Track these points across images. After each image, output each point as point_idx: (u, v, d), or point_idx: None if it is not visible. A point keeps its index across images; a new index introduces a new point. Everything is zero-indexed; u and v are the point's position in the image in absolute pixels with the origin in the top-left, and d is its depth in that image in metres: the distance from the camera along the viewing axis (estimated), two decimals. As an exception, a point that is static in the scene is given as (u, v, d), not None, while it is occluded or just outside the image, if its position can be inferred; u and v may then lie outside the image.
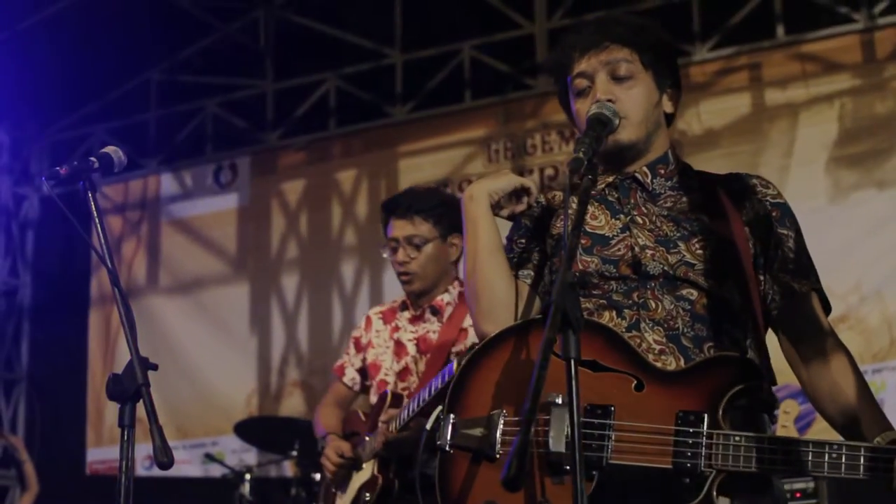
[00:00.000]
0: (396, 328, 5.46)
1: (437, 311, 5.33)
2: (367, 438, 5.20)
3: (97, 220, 3.77)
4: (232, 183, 12.34)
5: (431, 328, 5.32)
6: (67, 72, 11.82)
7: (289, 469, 9.53)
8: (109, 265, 3.72)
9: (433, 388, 4.70)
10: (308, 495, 9.03)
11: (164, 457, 3.37)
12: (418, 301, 5.39)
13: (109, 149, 3.98)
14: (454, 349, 5.14)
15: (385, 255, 5.44)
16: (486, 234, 3.40)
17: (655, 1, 10.64)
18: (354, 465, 5.27)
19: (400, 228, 5.32)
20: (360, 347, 5.60)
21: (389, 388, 5.34)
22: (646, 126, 3.39)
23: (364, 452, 5.22)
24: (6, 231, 13.43)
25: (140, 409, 3.48)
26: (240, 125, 12.18)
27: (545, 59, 3.68)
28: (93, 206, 3.78)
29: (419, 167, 11.40)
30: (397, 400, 5.15)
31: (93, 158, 3.92)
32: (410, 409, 4.89)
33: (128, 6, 11.45)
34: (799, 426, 7.09)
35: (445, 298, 5.35)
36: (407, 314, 5.46)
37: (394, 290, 11.70)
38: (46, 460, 11.33)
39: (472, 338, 4.98)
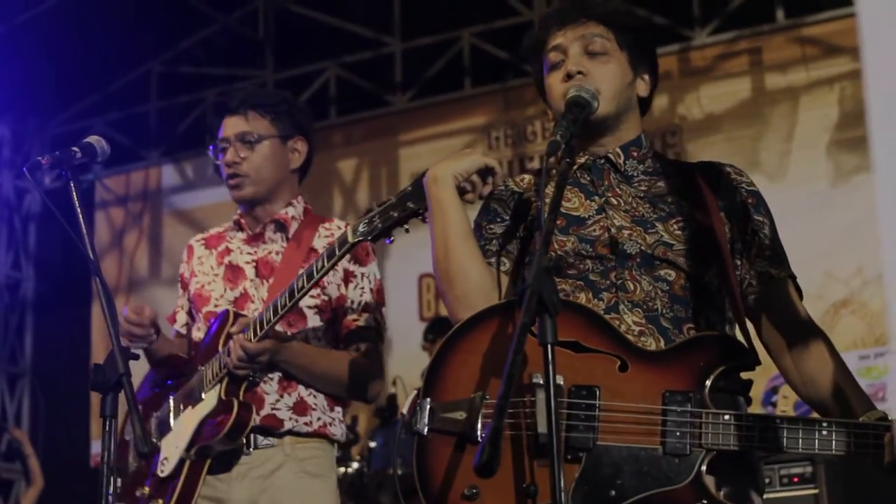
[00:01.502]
0: (227, 251, 4.59)
1: (283, 227, 4.52)
2: (201, 368, 4.32)
3: (78, 210, 3.76)
4: (232, 172, 12.32)
5: (274, 248, 4.52)
6: (68, 64, 11.82)
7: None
8: (90, 255, 3.71)
9: (297, 289, 4.01)
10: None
11: (144, 446, 3.37)
12: (254, 215, 4.57)
13: (92, 138, 3.99)
14: (302, 272, 4.27)
15: (217, 162, 4.62)
16: (455, 218, 3.34)
17: (656, -15, 10.59)
18: (190, 394, 4.33)
19: (232, 126, 4.53)
20: (185, 284, 4.71)
21: None
22: (616, 102, 3.36)
23: (203, 382, 4.28)
24: (8, 224, 13.45)
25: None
26: (241, 115, 12.14)
27: (524, 39, 3.62)
28: (74, 196, 3.78)
29: (420, 155, 11.39)
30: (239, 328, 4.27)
31: (75, 148, 3.92)
32: (270, 315, 4.08)
33: (128, -2, 11.46)
34: (799, 412, 7.05)
35: (290, 212, 4.56)
36: (241, 235, 4.60)
37: (397, 279, 11.77)
38: (51, 454, 11.36)
39: None
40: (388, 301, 4.60)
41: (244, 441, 4.24)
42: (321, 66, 12.16)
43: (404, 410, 3.20)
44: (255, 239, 4.54)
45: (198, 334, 4.51)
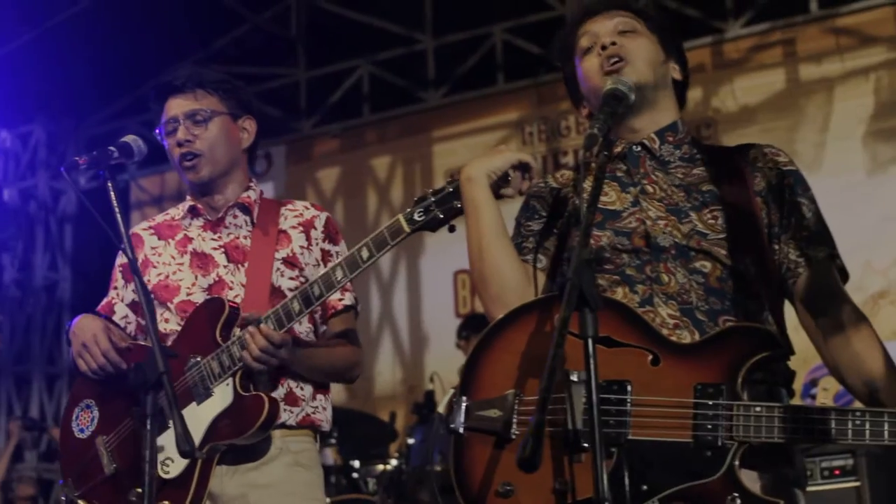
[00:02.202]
0: (187, 239, 4.40)
1: (247, 210, 4.37)
2: (198, 360, 4.11)
3: (117, 210, 3.77)
4: (267, 172, 12.38)
5: (241, 233, 4.36)
6: (101, 65, 11.88)
7: (329, 456, 9.54)
8: (130, 255, 3.72)
9: (335, 280, 3.89)
10: (348, 482, 9.06)
11: (185, 445, 3.37)
12: (210, 199, 4.41)
13: (129, 138, 3.99)
14: (279, 255, 4.30)
15: (164, 141, 4.39)
16: (489, 217, 3.34)
17: (688, -22, 10.58)
18: (195, 390, 4.10)
19: (178, 105, 4.35)
20: (129, 275, 4.39)
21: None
22: (652, 71, 3.37)
23: (207, 376, 4.08)
24: (45, 226, 13.53)
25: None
26: (274, 114, 12.20)
27: (553, 43, 3.63)
28: (112, 196, 3.79)
29: (453, 152, 11.40)
30: (234, 313, 4.11)
31: (112, 148, 3.93)
32: (298, 305, 3.96)
33: (160, -1, 11.51)
34: (840, 403, 7.02)
35: (252, 196, 4.42)
36: (199, 221, 4.41)
37: (432, 275, 11.79)
38: (89, 453, 11.37)
39: (296, 241, 4.33)
40: (423, 298, 4.58)
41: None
42: (353, 63, 12.18)
43: (441, 409, 3.19)
44: (217, 224, 4.39)
45: (168, 325, 4.28)
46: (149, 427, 3.47)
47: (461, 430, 3.11)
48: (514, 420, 3.04)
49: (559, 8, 11.17)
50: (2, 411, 13.27)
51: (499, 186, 3.37)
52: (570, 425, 2.95)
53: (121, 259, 4.51)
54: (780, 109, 10.14)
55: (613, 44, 3.35)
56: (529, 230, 3.50)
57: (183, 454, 3.45)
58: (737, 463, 2.91)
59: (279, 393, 4.14)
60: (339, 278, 3.91)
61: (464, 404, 3.12)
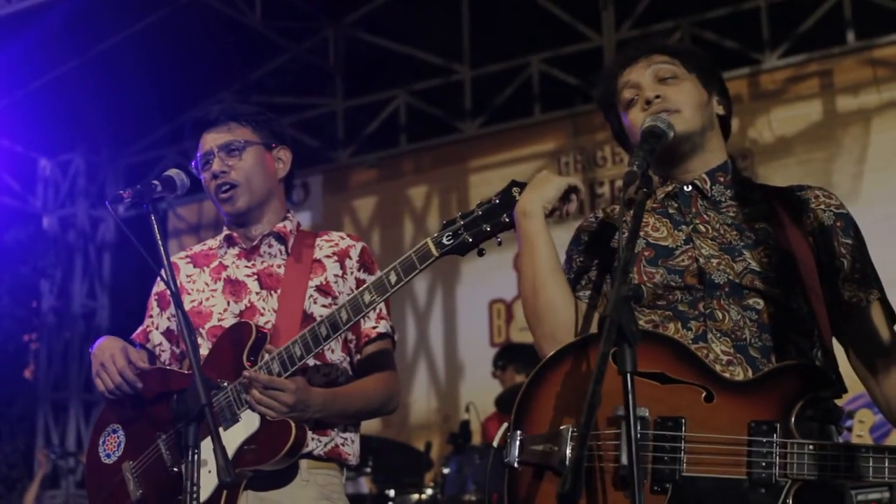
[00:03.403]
0: (222, 266, 4.42)
1: (282, 239, 4.38)
2: (226, 385, 4.08)
3: (160, 243, 3.80)
4: (304, 201, 12.43)
5: (275, 262, 4.37)
6: (140, 95, 11.97)
7: (364, 485, 9.56)
8: (173, 288, 3.75)
9: (364, 304, 3.86)
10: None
11: (227, 476, 3.39)
12: (247, 230, 4.42)
13: (172, 171, 4.02)
14: (312, 283, 4.29)
15: (200, 175, 4.40)
16: (545, 253, 3.36)
17: (724, 10, 10.59)
18: (222, 415, 4.05)
19: (213, 139, 4.37)
20: (166, 303, 4.48)
21: None
22: (700, 117, 3.39)
23: (236, 401, 4.05)
24: (83, 254, 13.62)
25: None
26: (311, 144, 12.27)
27: (594, 93, 3.63)
28: (156, 229, 3.82)
29: (489, 181, 11.42)
30: (262, 339, 4.10)
31: (155, 182, 3.96)
32: (322, 332, 3.92)
33: (199, 29, 11.59)
34: (875, 436, 7.01)
35: (288, 226, 4.42)
36: (234, 251, 4.43)
37: (468, 305, 11.81)
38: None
39: (330, 270, 4.30)
40: (458, 327, 4.52)
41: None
42: (391, 93, 12.23)
43: (496, 442, 3.21)
44: (251, 252, 4.40)
45: (200, 351, 4.20)
46: (191, 458, 3.49)
47: (515, 465, 3.13)
48: (568, 454, 3.05)
49: (596, 39, 11.21)
50: (40, 438, 13.34)
51: (549, 213, 3.39)
52: (623, 461, 2.96)
53: (157, 287, 4.52)
54: (817, 140, 10.13)
55: (658, 97, 3.37)
56: (580, 264, 3.53)
57: (224, 485, 3.46)
58: (790, 500, 2.92)
59: (308, 421, 4.07)
60: (367, 302, 3.86)
61: (518, 438, 3.15)
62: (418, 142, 12.20)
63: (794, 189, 3.47)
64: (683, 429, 3.01)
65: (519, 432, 3.16)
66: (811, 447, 2.93)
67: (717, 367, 3.11)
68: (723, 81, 3.58)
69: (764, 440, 2.95)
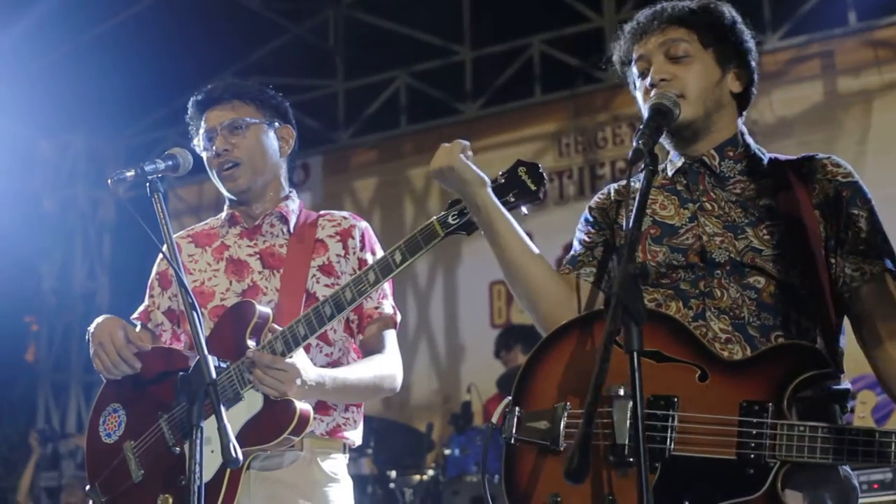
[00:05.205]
0: (224, 246, 4.40)
1: (284, 219, 4.35)
2: (226, 365, 3.98)
3: (163, 223, 3.78)
4: (304, 182, 12.42)
5: (277, 241, 4.34)
6: (140, 77, 11.94)
7: (364, 466, 9.57)
8: (175, 266, 3.74)
9: (369, 282, 3.84)
10: (384, 493, 9.08)
11: (231, 455, 3.38)
12: (249, 208, 4.39)
13: (175, 150, 4.00)
14: (314, 263, 4.26)
15: (202, 154, 4.37)
16: (507, 231, 3.40)
17: (725, -10, 10.55)
18: (224, 394, 3.94)
19: (216, 117, 4.35)
20: (167, 283, 4.45)
21: None
22: (703, 104, 3.35)
23: (238, 381, 3.98)
24: (83, 235, 13.60)
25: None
26: (311, 125, 12.24)
27: (611, 53, 3.58)
28: (158, 209, 3.80)
29: (490, 163, 11.19)
30: (265, 318, 4.05)
31: (159, 160, 3.94)
32: (326, 312, 3.90)
33: (199, 10, 11.56)
34: (876, 417, 7.00)
35: (291, 206, 4.40)
36: (236, 230, 4.40)
37: (468, 286, 11.80)
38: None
39: (332, 250, 4.28)
40: (459, 308, 4.50)
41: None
42: (391, 74, 12.22)
43: (494, 419, 3.21)
44: (253, 232, 4.37)
45: (202, 329, 3.98)
46: (194, 437, 3.48)
47: (513, 441, 3.14)
48: (562, 432, 3.06)
49: (597, 20, 11.19)
50: (40, 419, 13.35)
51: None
52: (614, 439, 2.96)
53: (158, 267, 4.49)
54: (818, 122, 10.12)
55: (663, 80, 3.33)
56: (586, 244, 3.53)
57: (227, 464, 3.45)
58: (779, 482, 2.91)
59: (310, 401, 4.06)
60: (371, 281, 3.85)
61: (516, 415, 3.16)
62: (419, 123, 12.19)
63: (804, 160, 3.42)
64: (676, 408, 3.01)
65: (518, 409, 3.17)
66: (802, 428, 2.91)
67: (716, 346, 3.11)
68: (744, 47, 3.49)
69: (754, 420, 2.95)
